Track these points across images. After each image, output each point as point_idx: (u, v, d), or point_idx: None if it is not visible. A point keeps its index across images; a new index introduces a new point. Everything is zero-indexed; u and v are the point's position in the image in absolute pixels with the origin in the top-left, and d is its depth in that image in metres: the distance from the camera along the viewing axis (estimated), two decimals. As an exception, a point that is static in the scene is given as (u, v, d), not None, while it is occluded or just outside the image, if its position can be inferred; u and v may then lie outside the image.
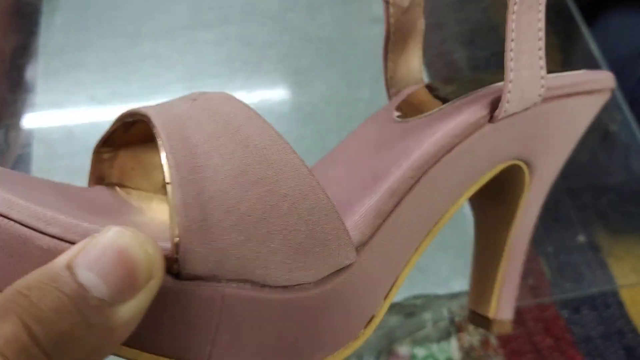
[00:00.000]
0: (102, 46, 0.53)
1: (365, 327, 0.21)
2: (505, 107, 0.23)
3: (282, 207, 0.18)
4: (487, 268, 0.30)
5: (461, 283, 0.44)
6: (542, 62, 0.24)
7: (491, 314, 0.29)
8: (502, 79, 0.23)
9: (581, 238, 0.52)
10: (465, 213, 0.47)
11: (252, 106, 0.56)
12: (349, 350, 0.21)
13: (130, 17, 0.55)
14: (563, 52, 0.64)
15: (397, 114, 0.27)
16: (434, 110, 0.25)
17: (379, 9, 0.58)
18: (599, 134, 0.57)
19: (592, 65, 0.60)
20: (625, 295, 0.64)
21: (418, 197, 0.22)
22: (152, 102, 0.56)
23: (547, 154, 0.27)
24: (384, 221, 0.21)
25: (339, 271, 0.19)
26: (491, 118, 0.24)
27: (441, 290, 0.43)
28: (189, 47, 0.53)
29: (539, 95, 0.24)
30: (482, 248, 0.32)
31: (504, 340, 0.61)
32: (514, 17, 0.22)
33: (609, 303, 0.65)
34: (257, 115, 0.19)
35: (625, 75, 0.60)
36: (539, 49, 0.24)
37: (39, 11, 0.56)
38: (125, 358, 0.17)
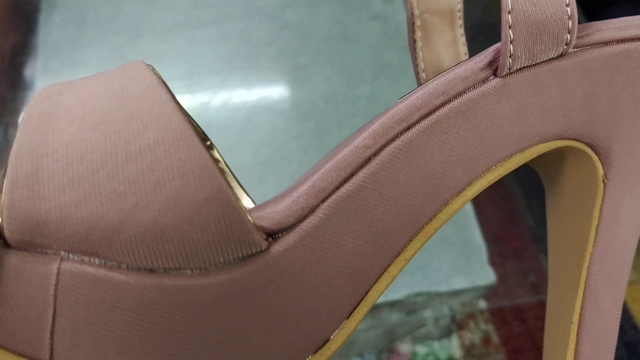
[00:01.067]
0: (101, 44, 0.53)
1: (316, 352, 0.16)
2: (511, 51, 0.16)
3: (140, 162, 0.13)
4: (562, 302, 0.20)
5: (463, 281, 0.43)
6: None
7: None
8: None
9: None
10: (467, 211, 0.47)
11: (251, 103, 0.56)
12: None
13: (129, 14, 0.55)
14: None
15: None
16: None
17: (378, 6, 0.58)
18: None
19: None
20: (626, 293, 0.64)
21: (384, 175, 0.16)
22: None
23: (630, 132, 0.18)
24: (322, 202, 0.15)
25: (242, 262, 0.14)
26: (497, 70, 0.17)
27: (443, 288, 0.43)
28: (187, 44, 0.53)
29: (568, 33, 0.16)
30: (555, 271, 0.22)
31: (506, 338, 0.61)
32: None
33: (610, 300, 0.66)
34: (150, 72, 0.15)
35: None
36: None
37: (37, 9, 0.56)
38: None
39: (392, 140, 0.16)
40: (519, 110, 0.17)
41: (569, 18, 0.16)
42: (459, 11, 0.22)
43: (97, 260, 0.13)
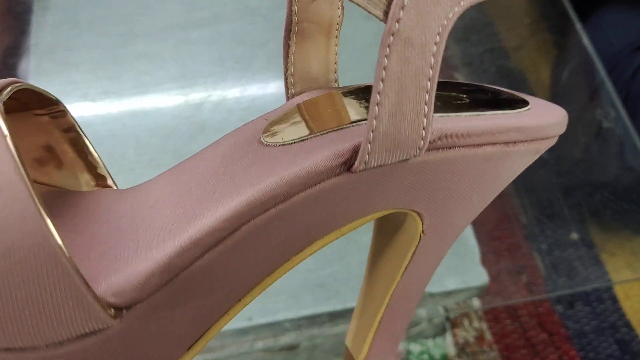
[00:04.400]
0: (94, 45, 0.53)
1: None
2: (366, 159, 0.18)
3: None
4: (370, 308, 0.26)
5: (456, 281, 0.44)
6: (427, 108, 0.18)
7: (360, 358, 0.25)
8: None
9: (574, 235, 0.52)
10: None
11: (245, 105, 0.56)
12: None
13: (122, 16, 0.55)
14: (558, 47, 0.65)
15: (265, 133, 0.21)
16: (296, 138, 0.20)
17: (372, 6, 0.58)
18: (592, 130, 0.57)
19: (586, 60, 0.60)
20: (619, 290, 0.64)
21: (232, 253, 0.18)
22: (144, 101, 0.55)
23: (447, 209, 0.22)
24: (173, 278, 0.17)
25: (90, 334, 0.16)
26: (351, 167, 0.19)
27: (435, 289, 0.44)
28: (181, 45, 0.53)
29: (418, 149, 0.18)
30: (371, 284, 0.27)
31: (499, 336, 0.62)
32: (386, 51, 0.17)
33: (602, 298, 0.65)
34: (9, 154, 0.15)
35: (619, 70, 0.60)
36: (426, 92, 0.17)
37: (30, 10, 0.56)
38: None
39: (246, 222, 0.17)
40: (366, 193, 0.20)
41: (422, 139, 0.18)
42: (337, 24, 0.23)
43: None
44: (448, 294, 0.44)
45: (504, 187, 0.24)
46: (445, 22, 0.17)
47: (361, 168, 0.18)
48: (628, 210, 0.53)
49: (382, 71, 0.17)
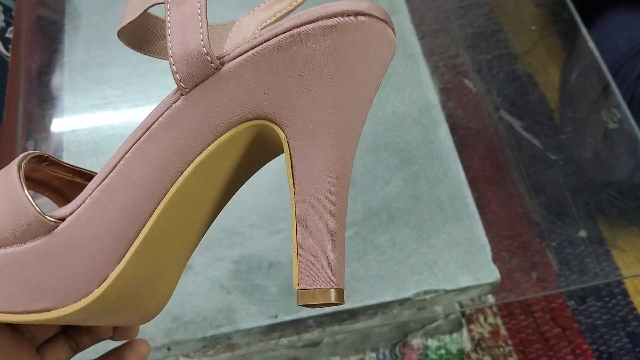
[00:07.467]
0: (123, 61, 0.56)
1: (99, 286, 0.26)
2: (178, 77, 0.24)
3: None
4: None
5: (469, 279, 0.46)
6: (202, 28, 0.24)
7: (294, 283, 0.25)
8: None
9: (583, 232, 0.54)
10: (471, 211, 0.49)
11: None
12: (82, 304, 0.25)
13: (149, 33, 0.58)
14: (565, 51, 0.66)
15: None
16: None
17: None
18: (599, 131, 0.59)
19: (592, 63, 0.62)
20: (630, 285, 0.66)
21: (126, 171, 0.25)
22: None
23: (293, 104, 0.25)
24: (88, 196, 0.26)
25: (45, 234, 0.26)
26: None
27: (449, 286, 0.46)
28: (205, 60, 0.56)
29: (209, 61, 0.24)
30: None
31: (513, 331, 0.64)
32: None
33: (614, 293, 0.67)
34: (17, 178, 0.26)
35: (624, 72, 0.62)
36: (198, 15, 0.24)
37: (62, 29, 0.59)
38: None
39: (128, 150, 0.25)
40: (206, 111, 0.25)
41: (204, 47, 0.24)
42: None
43: None
44: (461, 290, 0.47)
45: (360, 65, 0.25)
46: None
47: (183, 87, 0.25)
48: (635, 208, 0.55)
49: (167, 17, 0.25)
